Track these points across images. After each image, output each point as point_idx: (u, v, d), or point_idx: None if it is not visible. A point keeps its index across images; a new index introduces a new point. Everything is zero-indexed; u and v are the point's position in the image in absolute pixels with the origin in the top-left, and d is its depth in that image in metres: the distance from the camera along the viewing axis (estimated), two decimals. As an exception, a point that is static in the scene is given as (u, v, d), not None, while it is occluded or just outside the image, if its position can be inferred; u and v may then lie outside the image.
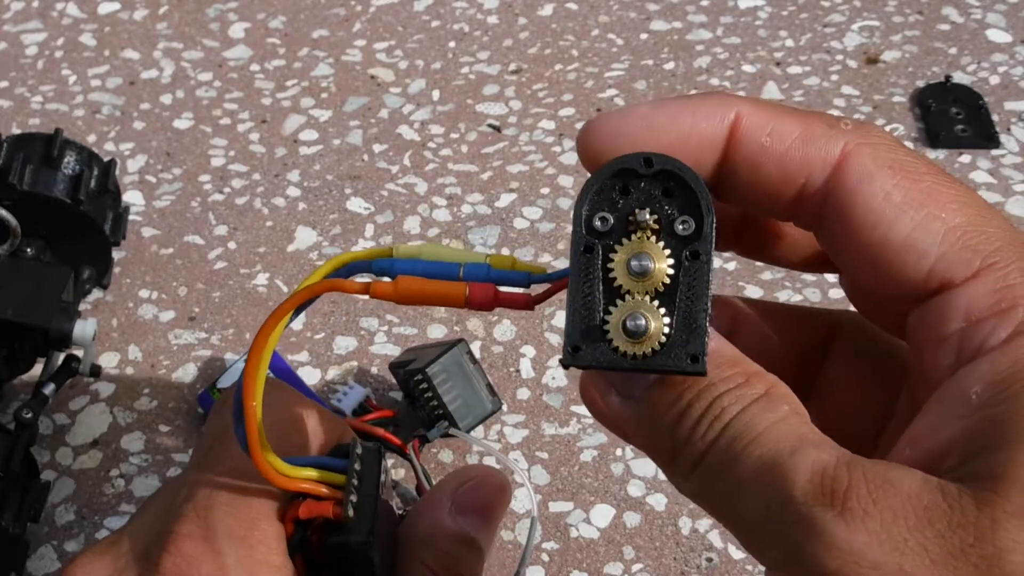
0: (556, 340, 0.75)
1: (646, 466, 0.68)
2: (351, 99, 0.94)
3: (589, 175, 0.24)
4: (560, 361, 0.23)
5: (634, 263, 0.22)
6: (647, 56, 0.97)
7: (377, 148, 0.89)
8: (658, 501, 0.66)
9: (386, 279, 0.26)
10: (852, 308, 0.26)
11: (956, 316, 0.22)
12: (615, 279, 0.23)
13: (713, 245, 0.22)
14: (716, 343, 0.23)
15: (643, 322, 0.22)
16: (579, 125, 0.91)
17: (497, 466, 0.68)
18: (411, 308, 0.77)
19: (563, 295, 0.24)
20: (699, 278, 0.22)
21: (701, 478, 0.22)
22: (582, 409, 0.71)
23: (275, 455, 0.27)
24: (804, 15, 1.01)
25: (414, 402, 0.68)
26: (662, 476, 0.67)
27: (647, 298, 0.22)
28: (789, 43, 0.98)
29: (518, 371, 0.73)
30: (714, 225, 0.22)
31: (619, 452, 0.69)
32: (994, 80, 0.94)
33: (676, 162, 0.23)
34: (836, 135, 0.23)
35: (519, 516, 0.66)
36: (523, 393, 0.72)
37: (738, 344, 0.26)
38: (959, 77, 0.94)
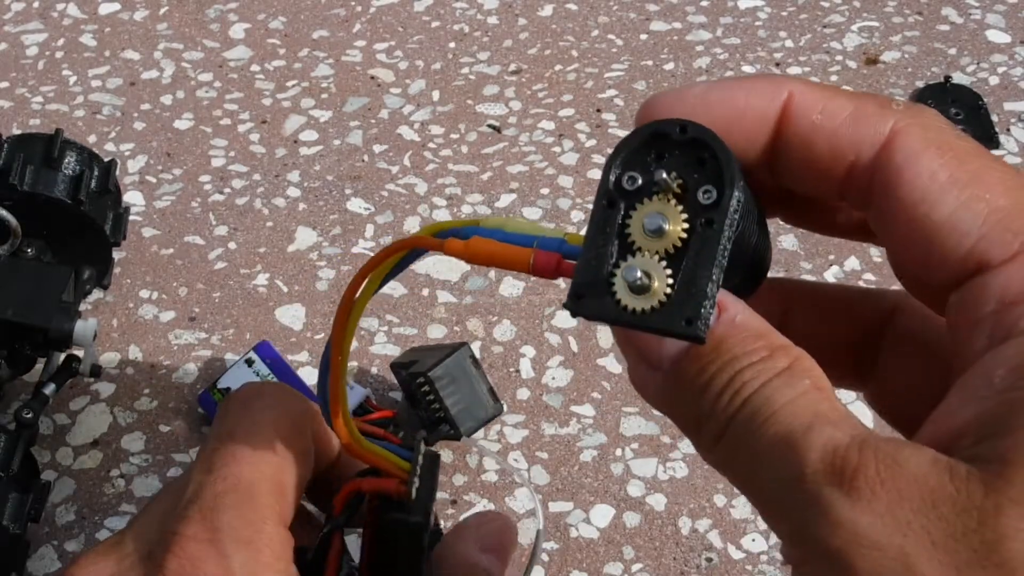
0: (556, 340, 0.75)
1: (646, 466, 0.68)
2: (351, 99, 0.94)
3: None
4: (564, 305, 0.23)
5: (648, 221, 0.23)
6: (647, 56, 0.97)
7: (377, 148, 0.89)
8: (658, 501, 0.66)
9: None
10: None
11: (991, 298, 0.22)
12: (630, 235, 0.23)
13: (731, 218, 0.22)
14: (744, 316, 0.23)
15: (646, 279, 0.22)
16: (578, 126, 0.91)
17: (498, 467, 0.68)
18: (411, 308, 0.77)
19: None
20: (709, 246, 0.22)
21: (723, 450, 0.22)
22: (582, 409, 0.71)
23: (354, 425, 0.28)
24: (804, 16, 1.01)
25: (415, 403, 0.68)
26: (662, 476, 0.67)
27: (656, 257, 0.23)
28: (789, 44, 0.99)
29: (518, 371, 0.73)
30: (737, 199, 0.22)
31: (619, 452, 0.69)
32: (993, 80, 0.94)
33: (708, 131, 0.23)
34: (886, 114, 0.23)
35: (519, 517, 0.66)
36: (523, 393, 0.72)
37: (794, 325, 0.26)
38: (959, 77, 0.94)
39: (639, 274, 0.22)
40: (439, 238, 0.26)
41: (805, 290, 0.29)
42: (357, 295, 0.27)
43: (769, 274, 0.27)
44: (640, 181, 0.23)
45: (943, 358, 0.25)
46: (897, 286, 0.26)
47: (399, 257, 0.27)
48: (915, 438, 0.22)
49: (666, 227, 0.23)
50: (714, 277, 0.22)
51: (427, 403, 0.66)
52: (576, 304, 0.23)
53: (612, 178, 0.23)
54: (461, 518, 0.35)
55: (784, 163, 0.24)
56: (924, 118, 0.23)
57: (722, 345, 0.23)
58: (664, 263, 0.23)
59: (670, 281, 0.22)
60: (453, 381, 0.66)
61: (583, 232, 0.24)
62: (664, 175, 0.23)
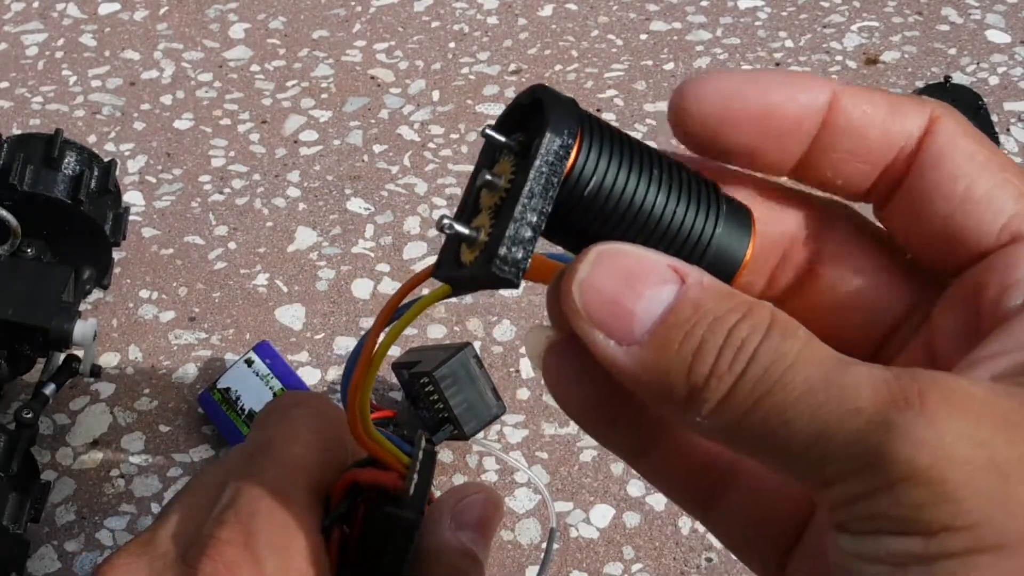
0: (556, 340, 0.75)
1: (646, 466, 0.68)
2: (351, 99, 0.94)
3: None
4: (432, 275, 0.24)
5: (484, 181, 0.23)
6: (647, 57, 0.97)
7: (377, 148, 0.89)
8: (658, 501, 0.66)
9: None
10: None
11: None
12: (478, 198, 0.24)
13: (543, 157, 0.22)
14: (708, 279, 0.23)
15: (475, 232, 0.22)
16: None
17: (498, 464, 0.68)
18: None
19: None
20: (516, 189, 0.22)
21: (730, 412, 0.22)
22: (582, 409, 0.71)
23: (367, 413, 0.28)
24: (804, 16, 1.01)
25: (417, 403, 0.68)
26: (662, 476, 0.67)
27: (488, 212, 0.23)
28: (788, 44, 0.99)
29: (518, 371, 0.73)
30: (559, 143, 0.22)
31: (619, 452, 0.69)
32: (993, 80, 0.94)
33: (544, 89, 0.23)
34: (924, 105, 0.25)
35: (519, 516, 0.66)
36: (523, 393, 0.72)
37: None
38: (958, 77, 0.94)
39: (465, 228, 0.22)
40: None
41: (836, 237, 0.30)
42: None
43: None
44: (503, 151, 0.23)
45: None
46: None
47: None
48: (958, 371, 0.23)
49: (498, 182, 0.23)
50: (518, 215, 0.22)
51: (431, 403, 0.66)
52: (436, 269, 0.24)
53: (483, 159, 0.24)
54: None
55: (825, 158, 0.25)
56: (952, 110, 0.26)
57: (701, 307, 0.22)
58: (490, 215, 0.23)
59: (490, 231, 0.22)
60: (457, 381, 0.66)
61: None
62: (501, 137, 0.23)
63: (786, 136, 0.25)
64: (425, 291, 0.25)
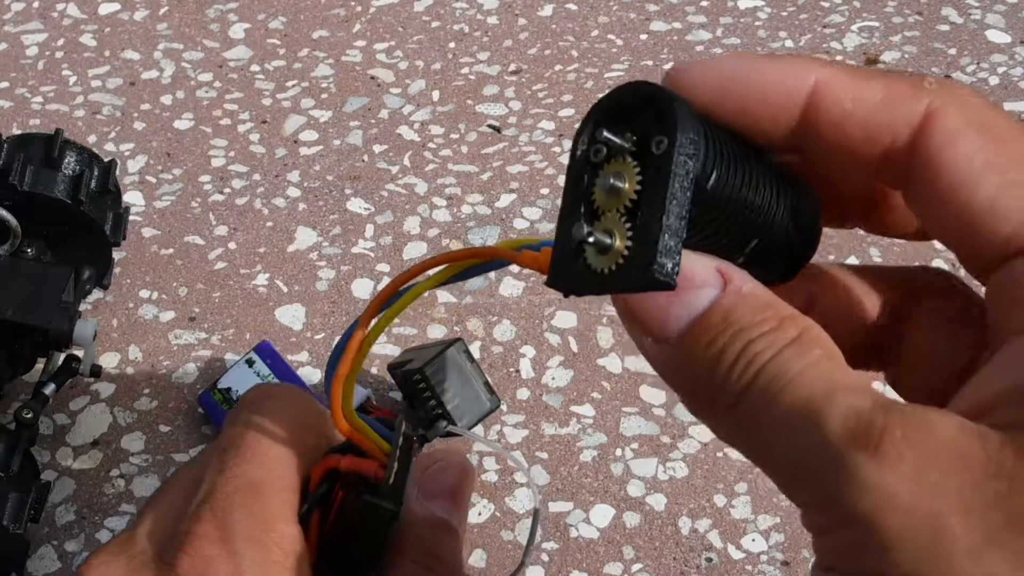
0: (556, 340, 0.75)
1: (646, 466, 0.68)
2: (351, 100, 0.94)
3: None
4: (545, 282, 0.23)
5: (602, 181, 0.23)
6: (647, 57, 0.97)
7: (377, 148, 0.89)
8: (658, 501, 0.66)
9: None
10: (937, 265, 0.26)
11: None
12: (594, 201, 0.23)
13: (680, 158, 0.22)
14: (750, 287, 0.23)
15: (607, 238, 0.22)
16: (578, 126, 0.91)
17: (498, 464, 0.68)
18: (411, 308, 0.77)
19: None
20: (658, 190, 0.22)
21: (738, 422, 0.22)
22: (582, 409, 0.71)
23: (351, 400, 0.28)
24: (804, 16, 1.01)
25: (413, 403, 0.68)
26: (662, 476, 0.67)
27: (617, 215, 0.22)
28: (789, 43, 0.99)
29: (518, 371, 0.73)
30: (691, 141, 0.22)
31: (619, 452, 0.69)
32: (993, 80, 0.94)
33: (653, 85, 0.23)
34: (920, 95, 0.23)
35: (519, 516, 0.66)
36: (523, 393, 0.72)
37: (822, 310, 0.26)
38: (959, 77, 0.94)
39: (600, 235, 0.22)
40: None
41: (831, 274, 0.28)
42: (417, 280, 0.27)
43: None
44: (604, 151, 0.23)
45: (972, 335, 0.25)
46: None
47: (472, 263, 0.27)
48: (948, 406, 0.21)
49: (622, 185, 0.22)
50: (664, 218, 0.22)
51: (424, 400, 0.66)
52: (554, 279, 0.23)
53: (579, 155, 0.23)
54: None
55: (816, 146, 0.24)
56: (960, 96, 0.23)
57: (730, 316, 0.22)
58: (625, 219, 0.22)
59: (630, 235, 0.22)
60: (448, 376, 0.66)
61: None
62: (617, 139, 0.23)
63: (768, 126, 0.24)
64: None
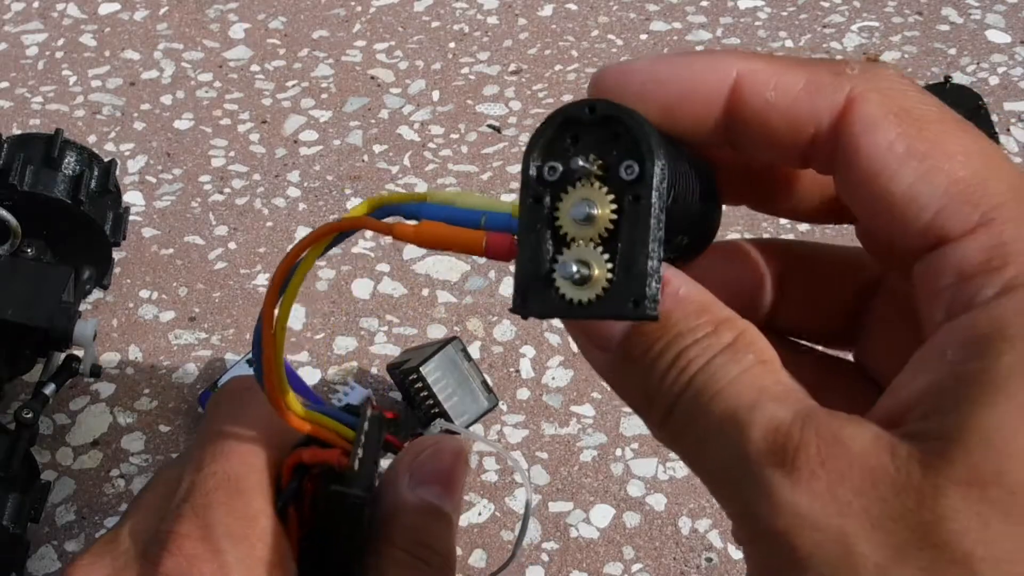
0: (556, 340, 0.75)
1: (646, 466, 0.68)
2: (351, 99, 0.94)
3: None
4: (510, 309, 0.23)
5: (575, 210, 0.22)
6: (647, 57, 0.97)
7: (377, 148, 0.89)
8: (658, 501, 0.66)
9: (412, 222, 0.26)
10: None
11: (950, 271, 0.21)
12: (561, 227, 0.23)
13: (657, 188, 0.22)
14: (687, 289, 0.23)
15: (585, 268, 0.22)
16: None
17: (498, 464, 0.68)
18: (411, 308, 0.77)
19: None
20: (641, 222, 0.22)
21: (672, 429, 0.22)
22: (582, 409, 0.71)
23: (292, 394, 0.27)
24: (804, 16, 1.01)
25: (412, 403, 0.68)
26: (662, 476, 0.67)
27: (591, 245, 0.22)
28: (789, 44, 0.99)
29: (518, 371, 0.73)
30: (661, 168, 0.22)
31: (619, 452, 0.69)
32: (993, 81, 0.94)
33: (617, 106, 0.22)
34: (842, 82, 0.22)
35: (519, 516, 0.66)
36: (523, 393, 0.72)
37: (791, 287, 0.26)
38: (959, 78, 0.94)
39: (576, 267, 0.22)
40: (389, 216, 0.26)
41: (801, 251, 0.28)
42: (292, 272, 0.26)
43: (765, 236, 0.27)
44: (561, 169, 0.23)
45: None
46: None
47: (338, 234, 0.26)
48: (871, 411, 0.21)
49: (595, 212, 0.22)
50: (652, 252, 0.22)
51: (421, 399, 0.66)
52: (523, 306, 0.23)
53: (533, 173, 0.23)
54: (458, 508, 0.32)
55: (743, 139, 0.24)
56: (881, 82, 0.22)
57: (667, 321, 0.22)
58: (600, 248, 0.22)
59: (609, 266, 0.22)
60: (445, 376, 0.66)
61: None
62: (581, 162, 0.22)
63: (694, 123, 0.23)
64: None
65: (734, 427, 0.21)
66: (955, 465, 0.19)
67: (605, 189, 0.22)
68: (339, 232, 0.26)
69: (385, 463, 0.30)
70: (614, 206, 0.22)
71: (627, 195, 0.22)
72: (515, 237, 0.24)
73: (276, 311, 0.27)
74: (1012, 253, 0.20)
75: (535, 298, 0.23)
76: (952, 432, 0.19)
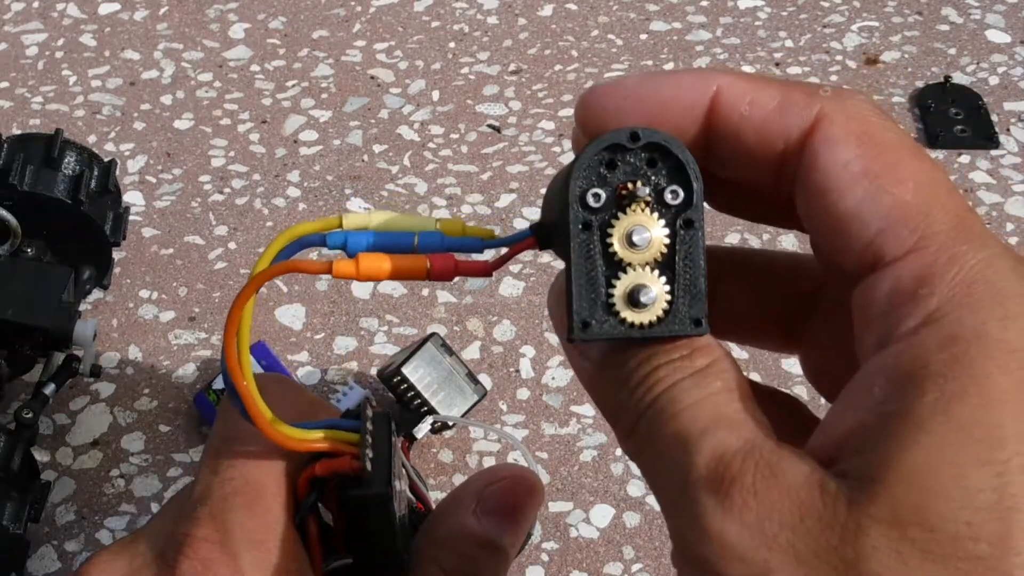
0: (556, 340, 0.75)
1: (646, 466, 0.68)
2: (351, 99, 0.94)
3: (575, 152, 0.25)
4: (569, 338, 0.24)
5: (635, 236, 0.23)
6: (647, 56, 0.97)
7: (377, 148, 0.89)
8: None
9: (341, 255, 0.26)
10: None
11: (881, 297, 0.21)
12: (615, 253, 0.24)
13: (703, 213, 0.23)
14: None
15: (648, 292, 0.23)
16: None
17: (500, 448, 0.68)
18: (411, 309, 0.77)
19: (522, 258, 0.24)
20: (694, 245, 0.23)
21: (634, 444, 0.23)
22: (582, 409, 0.71)
23: (283, 422, 0.27)
24: (804, 16, 1.01)
25: (403, 405, 0.68)
26: (662, 476, 0.67)
27: (647, 268, 0.23)
28: (788, 43, 0.99)
29: (518, 371, 0.73)
30: (702, 190, 0.23)
31: (619, 452, 0.69)
32: (993, 80, 0.94)
33: (662, 134, 0.24)
34: (813, 102, 0.23)
35: (519, 516, 0.66)
36: (523, 393, 0.72)
37: (724, 291, 0.27)
38: (958, 77, 0.94)
39: (637, 290, 0.23)
40: (310, 247, 0.26)
41: (735, 257, 0.29)
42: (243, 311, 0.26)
43: (763, 238, 0.28)
44: (604, 196, 0.24)
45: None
46: None
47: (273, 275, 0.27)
48: (808, 443, 0.22)
49: (650, 237, 0.23)
50: (704, 273, 0.23)
51: (410, 400, 0.66)
52: (585, 333, 0.23)
53: (578, 202, 0.24)
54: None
55: (718, 154, 0.25)
56: (850, 105, 0.23)
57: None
58: (656, 272, 0.23)
59: (667, 288, 0.23)
60: (428, 373, 0.66)
61: (456, 216, 0.24)
62: (644, 190, 0.23)
63: (681, 136, 0.24)
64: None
65: (682, 450, 0.21)
66: (877, 503, 0.19)
67: (656, 215, 0.23)
68: (271, 278, 0.26)
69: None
70: (666, 231, 0.23)
71: (678, 220, 0.23)
72: (454, 256, 0.25)
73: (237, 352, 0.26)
74: (939, 283, 0.21)
75: (597, 325, 0.23)
76: (876, 471, 0.19)
